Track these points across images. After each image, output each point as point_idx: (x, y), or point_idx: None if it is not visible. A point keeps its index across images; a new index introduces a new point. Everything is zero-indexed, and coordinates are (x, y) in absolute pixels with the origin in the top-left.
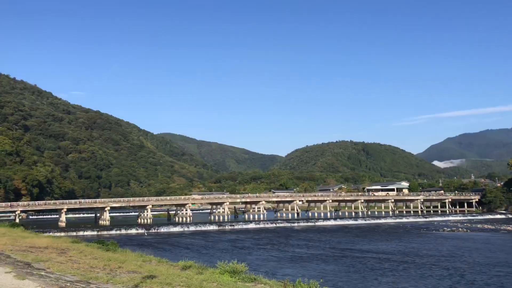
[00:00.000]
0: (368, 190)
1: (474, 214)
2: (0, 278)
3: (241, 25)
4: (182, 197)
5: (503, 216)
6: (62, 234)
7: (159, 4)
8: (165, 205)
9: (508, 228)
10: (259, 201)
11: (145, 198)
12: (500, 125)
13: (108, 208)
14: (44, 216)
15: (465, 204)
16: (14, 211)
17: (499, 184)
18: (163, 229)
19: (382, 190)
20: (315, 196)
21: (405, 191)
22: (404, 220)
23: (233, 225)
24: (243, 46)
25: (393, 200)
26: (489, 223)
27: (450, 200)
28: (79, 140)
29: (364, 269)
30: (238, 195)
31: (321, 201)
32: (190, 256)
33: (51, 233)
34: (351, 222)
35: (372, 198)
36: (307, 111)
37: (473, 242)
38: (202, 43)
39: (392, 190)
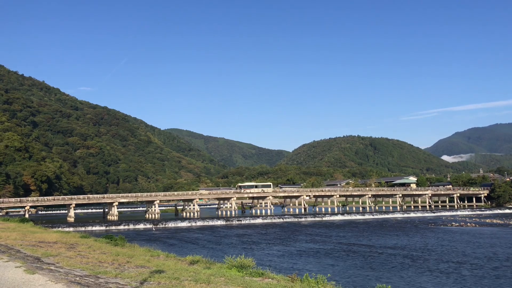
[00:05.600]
0: (240, 187)
1: (483, 209)
2: (11, 272)
3: (249, 22)
4: (190, 192)
5: None
6: (71, 229)
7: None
8: (172, 200)
9: None
10: (266, 196)
11: (153, 194)
12: (510, 118)
13: (116, 203)
14: (53, 212)
15: (474, 199)
16: (24, 207)
17: (508, 179)
18: (170, 224)
19: (256, 186)
20: (322, 191)
21: (413, 185)
22: (412, 215)
23: (240, 220)
24: (251, 42)
25: (400, 195)
26: (498, 217)
27: (458, 194)
28: (87, 136)
29: (372, 264)
30: None
31: (328, 196)
32: (198, 251)
33: (60, 228)
34: (358, 217)
35: (379, 192)
36: (314, 106)
37: (482, 237)
38: (210, 39)
39: (269, 186)
